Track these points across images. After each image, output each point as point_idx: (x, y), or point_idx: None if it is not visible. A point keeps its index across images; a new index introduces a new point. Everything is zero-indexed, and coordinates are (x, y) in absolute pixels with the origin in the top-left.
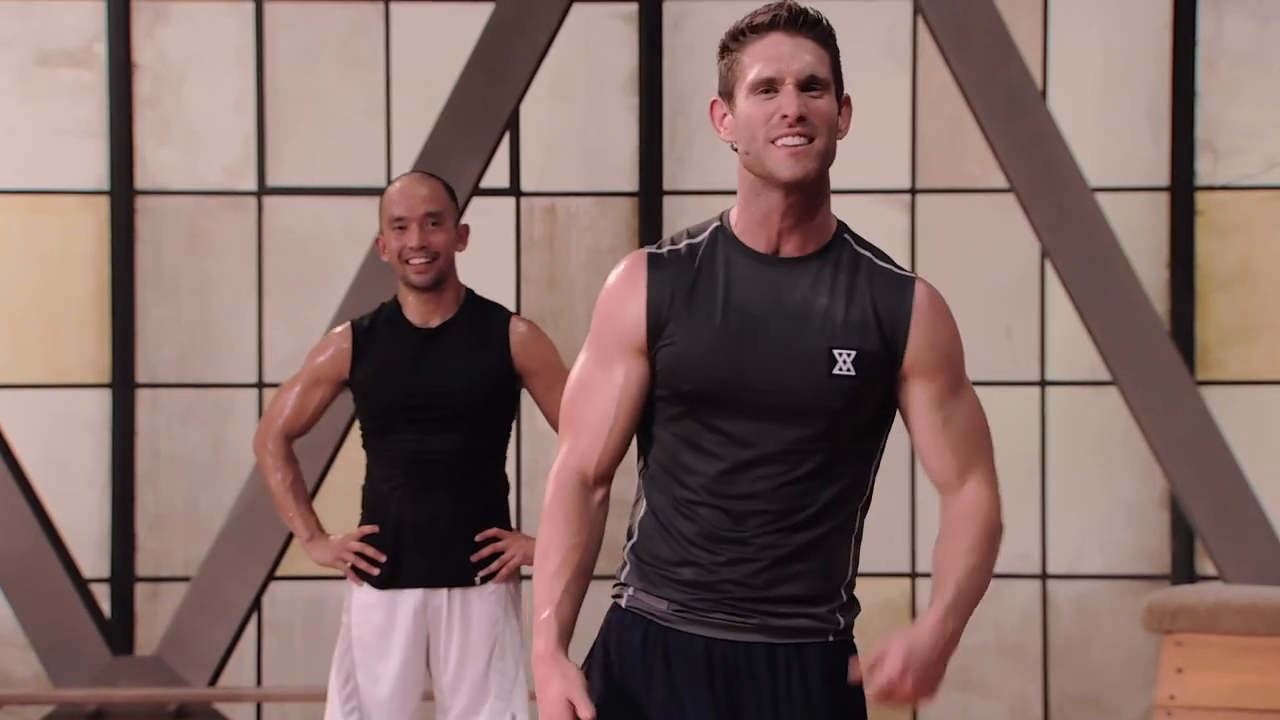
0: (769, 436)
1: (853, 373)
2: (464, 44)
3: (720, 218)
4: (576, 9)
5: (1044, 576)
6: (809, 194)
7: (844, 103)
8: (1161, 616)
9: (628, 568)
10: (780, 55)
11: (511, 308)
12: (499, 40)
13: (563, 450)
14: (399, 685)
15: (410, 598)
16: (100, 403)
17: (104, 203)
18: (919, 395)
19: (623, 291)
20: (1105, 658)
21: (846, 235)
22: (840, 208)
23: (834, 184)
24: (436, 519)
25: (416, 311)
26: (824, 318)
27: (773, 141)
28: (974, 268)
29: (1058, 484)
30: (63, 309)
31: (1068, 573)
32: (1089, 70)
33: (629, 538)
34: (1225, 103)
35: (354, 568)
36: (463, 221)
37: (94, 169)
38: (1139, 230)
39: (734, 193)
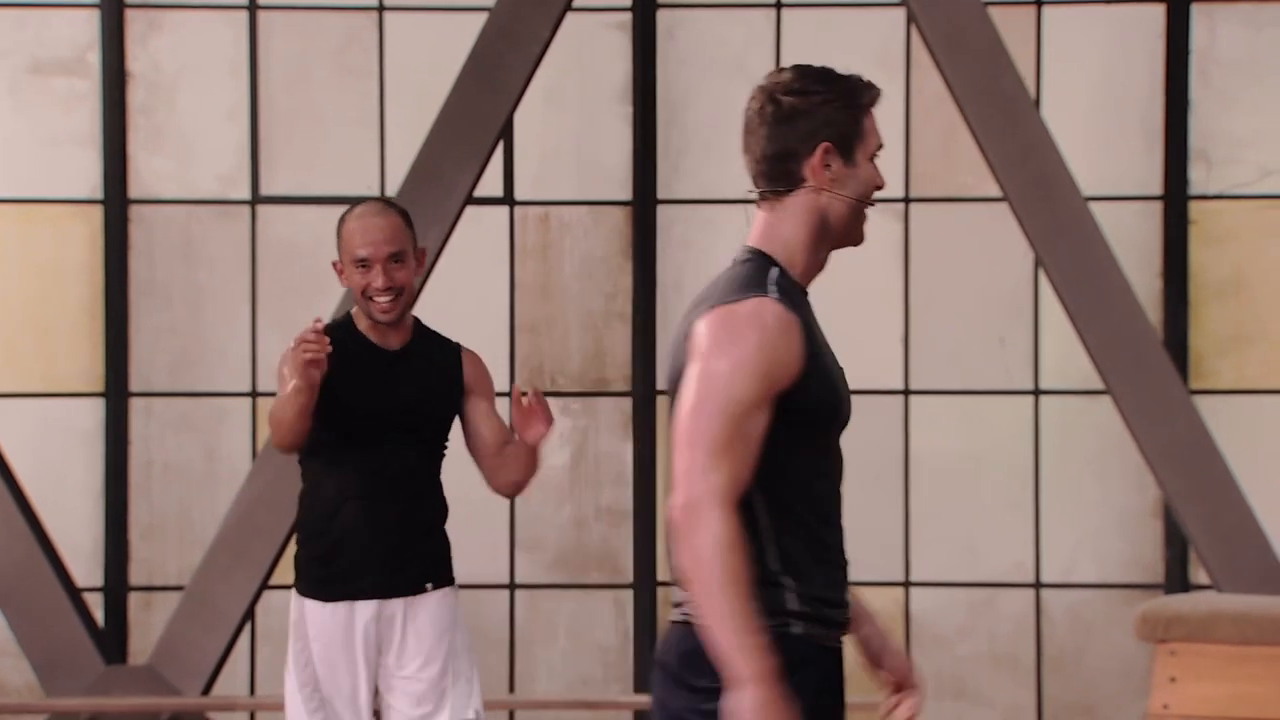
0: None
1: None
2: (458, 53)
3: (773, 264)
4: (570, 18)
5: (1038, 585)
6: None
7: None
8: (1155, 626)
9: (786, 594)
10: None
11: (505, 317)
12: (493, 49)
13: (720, 476)
14: (366, 696)
15: (365, 609)
16: (93, 412)
17: (97, 212)
18: None
19: (786, 333)
20: (1099, 667)
21: None
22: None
23: None
24: (390, 530)
25: (376, 334)
26: None
27: (870, 206)
28: (968, 277)
29: (1051, 493)
30: (56, 318)
31: (1061, 582)
32: (1082, 80)
33: (764, 567)
34: (1218, 112)
35: (303, 583)
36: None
37: (87, 178)
38: (1132, 240)
39: (728, 201)
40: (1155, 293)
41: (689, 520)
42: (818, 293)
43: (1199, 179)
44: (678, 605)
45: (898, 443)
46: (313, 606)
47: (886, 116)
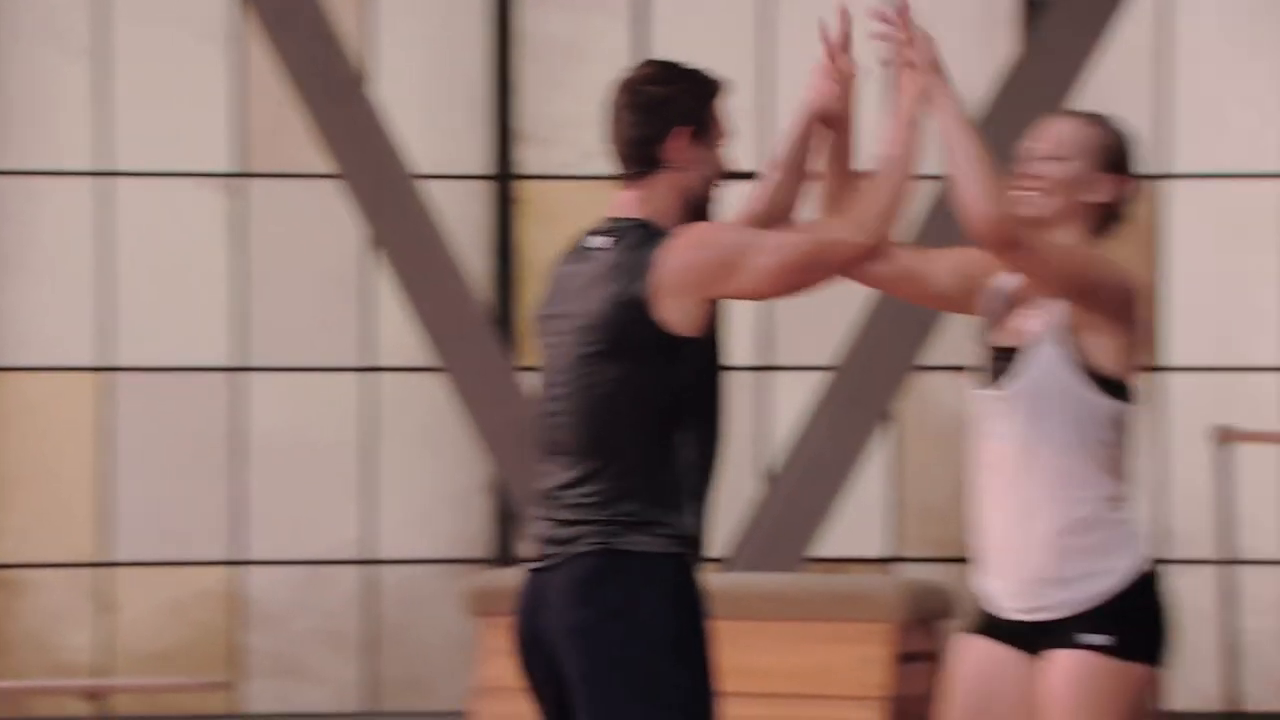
0: None
1: None
2: None
3: (659, 228)
4: None
5: (370, 562)
6: None
7: None
8: (482, 600)
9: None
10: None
11: None
12: None
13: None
14: None
15: None
16: None
17: None
18: None
19: None
20: (429, 641)
21: None
22: (161, 191)
23: (151, 166)
24: None
25: None
26: None
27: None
28: (304, 253)
29: (385, 470)
30: None
31: (393, 558)
32: (412, 60)
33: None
34: (544, 94)
35: None
36: None
37: None
38: (463, 218)
39: (70, 174)
40: (486, 271)
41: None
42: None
43: (526, 159)
44: (568, 541)
45: (231, 420)
46: None
47: (215, 90)
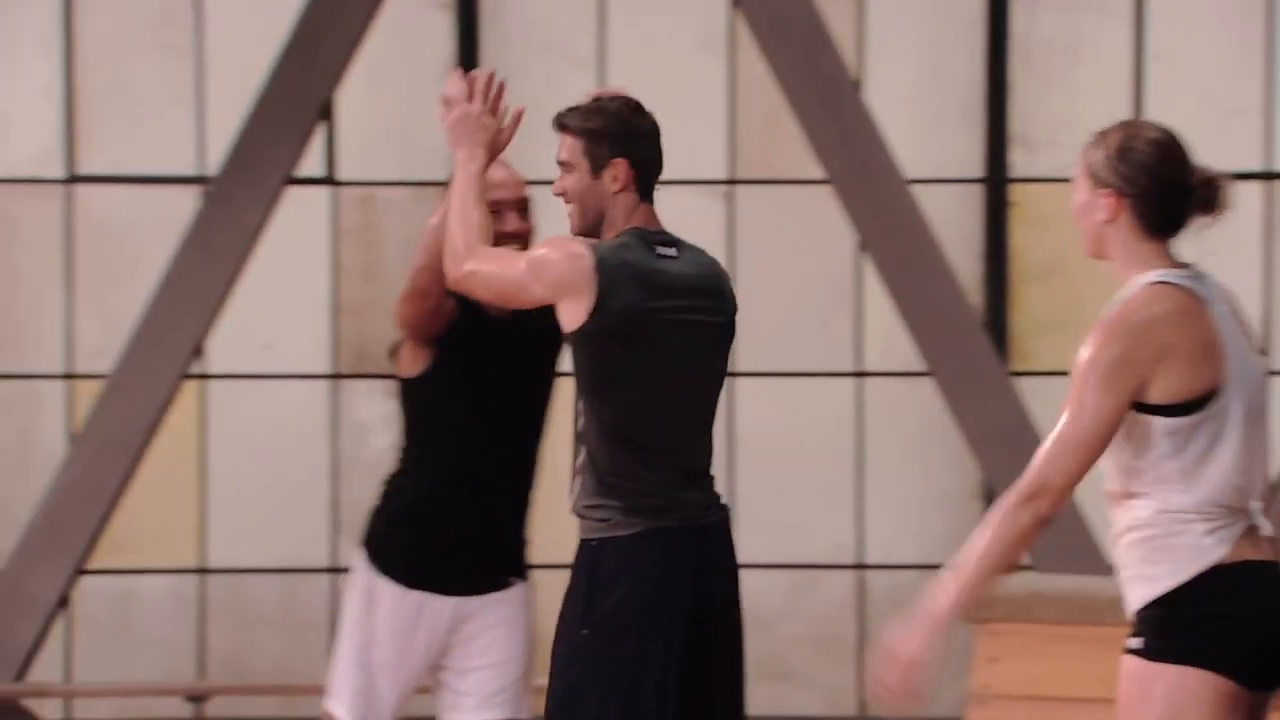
0: None
1: None
2: (279, 30)
3: None
4: None
5: (860, 567)
6: None
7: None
8: (976, 606)
9: None
10: None
11: (326, 298)
12: (315, 27)
13: None
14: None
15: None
16: None
17: None
18: None
19: None
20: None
21: None
22: (658, 198)
23: None
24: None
25: None
26: None
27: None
28: (792, 259)
29: (874, 475)
30: None
31: (883, 563)
32: (904, 63)
33: None
34: (1038, 96)
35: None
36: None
37: None
38: (954, 222)
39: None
40: (976, 275)
41: None
42: None
43: (1019, 162)
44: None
45: (721, 424)
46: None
47: (710, 97)
